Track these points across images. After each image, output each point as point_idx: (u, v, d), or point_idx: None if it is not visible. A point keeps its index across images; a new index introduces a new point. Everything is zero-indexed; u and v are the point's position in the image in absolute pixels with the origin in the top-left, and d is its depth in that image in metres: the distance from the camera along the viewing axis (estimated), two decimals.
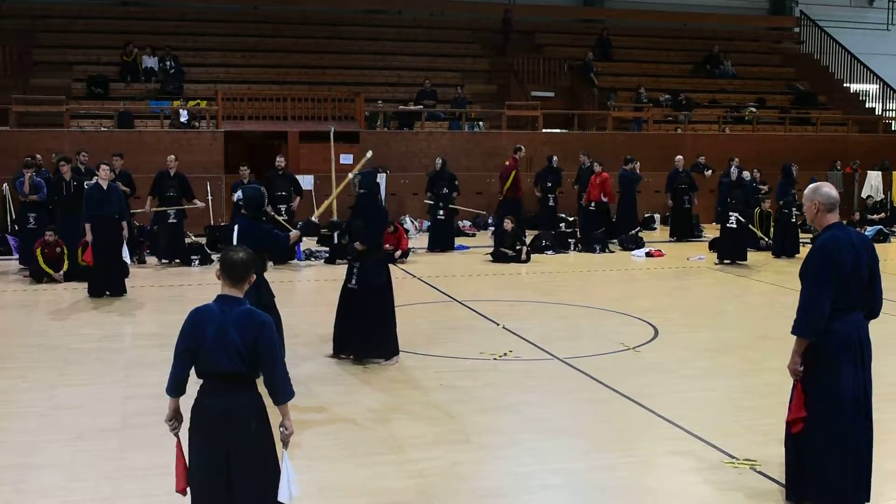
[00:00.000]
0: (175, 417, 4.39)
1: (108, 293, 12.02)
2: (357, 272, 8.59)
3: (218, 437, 4.22)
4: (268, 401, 4.35)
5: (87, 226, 12.04)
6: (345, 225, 9.05)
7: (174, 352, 4.32)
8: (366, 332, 8.60)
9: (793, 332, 5.10)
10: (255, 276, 4.43)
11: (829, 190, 5.16)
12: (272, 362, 4.26)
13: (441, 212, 16.57)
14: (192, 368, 4.31)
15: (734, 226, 15.45)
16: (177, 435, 4.40)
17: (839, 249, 5.00)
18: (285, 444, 4.32)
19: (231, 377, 4.23)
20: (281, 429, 4.32)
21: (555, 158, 19.44)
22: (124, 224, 12.42)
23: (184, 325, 4.32)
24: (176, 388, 4.34)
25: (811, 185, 5.25)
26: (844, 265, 4.99)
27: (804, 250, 16.74)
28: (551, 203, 19.47)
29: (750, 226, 15.91)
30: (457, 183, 17.20)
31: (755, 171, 18.21)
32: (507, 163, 18.29)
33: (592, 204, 17.62)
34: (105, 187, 12.18)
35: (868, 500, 5.15)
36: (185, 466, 4.36)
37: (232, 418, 4.22)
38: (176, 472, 4.39)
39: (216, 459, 4.23)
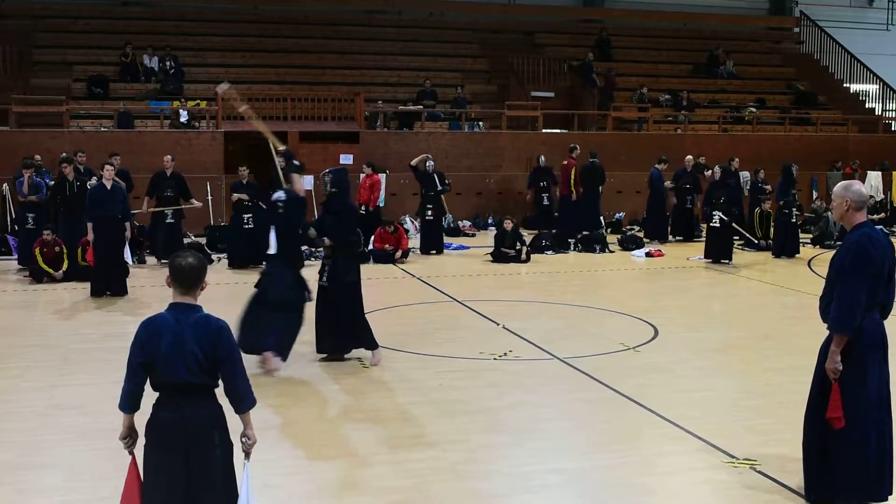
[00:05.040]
0: (130, 435, 4.23)
1: (108, 293, 12.02)
2: (329, 269, 8.57)
3: (177, 451, 4.06)
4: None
5: (90, 225, 12.06)
6: (315, 222, 8.96)
7: (127, 366, 4.15)
8: (338, 328, 8.59)
9: (833, 330, 5.11)
10: (206, 284, 4.21)
11: (860, 188, 5.23)
12: (233, 370, 4.10)
13: (429, 212, 16.58)
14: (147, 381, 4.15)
15: (717, 225, 15.50)
16: (131, 452, 4.24)
17: (873, 247, 5.06)
18: (247, 454, 4.19)
19: (190, 388, 4.07)
20: (243, 439, 4.17)
21: (542, 158, 19.61)
22: (127, 225, 12.43)
23: (136, 338, 4.13)
24: (130, 403, 4.17)
25: (842, 183, 5.29)
26: (877, 263, 5.06)
27: (804, 250, 16.78)
28: (546, 203, 19.52)
29: (734, 224, 15.92)
30: (448, 182, 17.28)
31: (760, 171, 18.21)
32: (566, 162, 18.90)
33: (363, 207, 16.72)
34: (109, 187, 12.20)
35: (891, 493, 5.21)
36: (140, 485, 4.18)
37: (192, 430, 4.06)
38: (125, 492, 4.23)
39: (175, 475, 4.06)
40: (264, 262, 8.98)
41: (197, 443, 4.08)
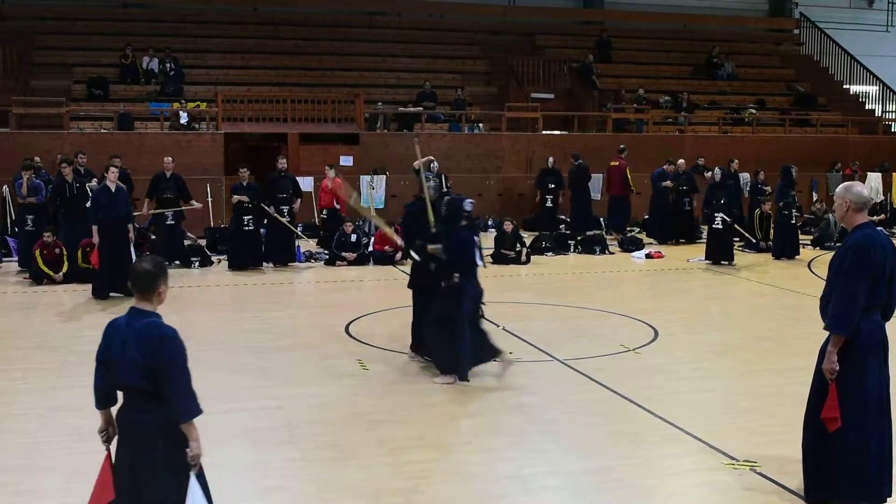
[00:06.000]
0: (106, 429, 4.27)
1: (115, 293, 11.91)
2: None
3: (127, 450, 4.11)
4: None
5: (95, 228, 12.06)
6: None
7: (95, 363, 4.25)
8: None
9: (830, 330, 5.10)
10: (166, 289, 4.22)
11: (860, 189, 5.22)
12: (171, 378, 4.05)
13: None
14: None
15: (719, 226, 15.53)
16: (108, 448, 4.25)
17: (874, 247, 5.06)
18: (192, 466, 4.13)
19: (135, 392, 4.10)
20: (186, 450, 4.11)
21: (550, 160, 19.74)
22: (130, 227, 12.43)
23: (102, 337, 4.25)
24: (99, 399, 4.26)
25: (843, 184, 5.29)
26: (877, 264, 5.05)
27: (804, 252, 16.78)
28: (549, 204, 19.56)
29: (736, 226, 15.92)
30: (449, 185, 17.32)
31: (760, 172, 18.22)
32: (616, 163, 19.36)
33: (324, 211, 16.71)
34: (113, 190, 12.19)
35: (890, 496, 5.21)
36: (112, 478, 4.19)
37: (139, 434, 4.09)
38: (96, 485, 4.21)
39: (123, 473, 4.12)
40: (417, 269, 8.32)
41: (141, 447, 4.10)
